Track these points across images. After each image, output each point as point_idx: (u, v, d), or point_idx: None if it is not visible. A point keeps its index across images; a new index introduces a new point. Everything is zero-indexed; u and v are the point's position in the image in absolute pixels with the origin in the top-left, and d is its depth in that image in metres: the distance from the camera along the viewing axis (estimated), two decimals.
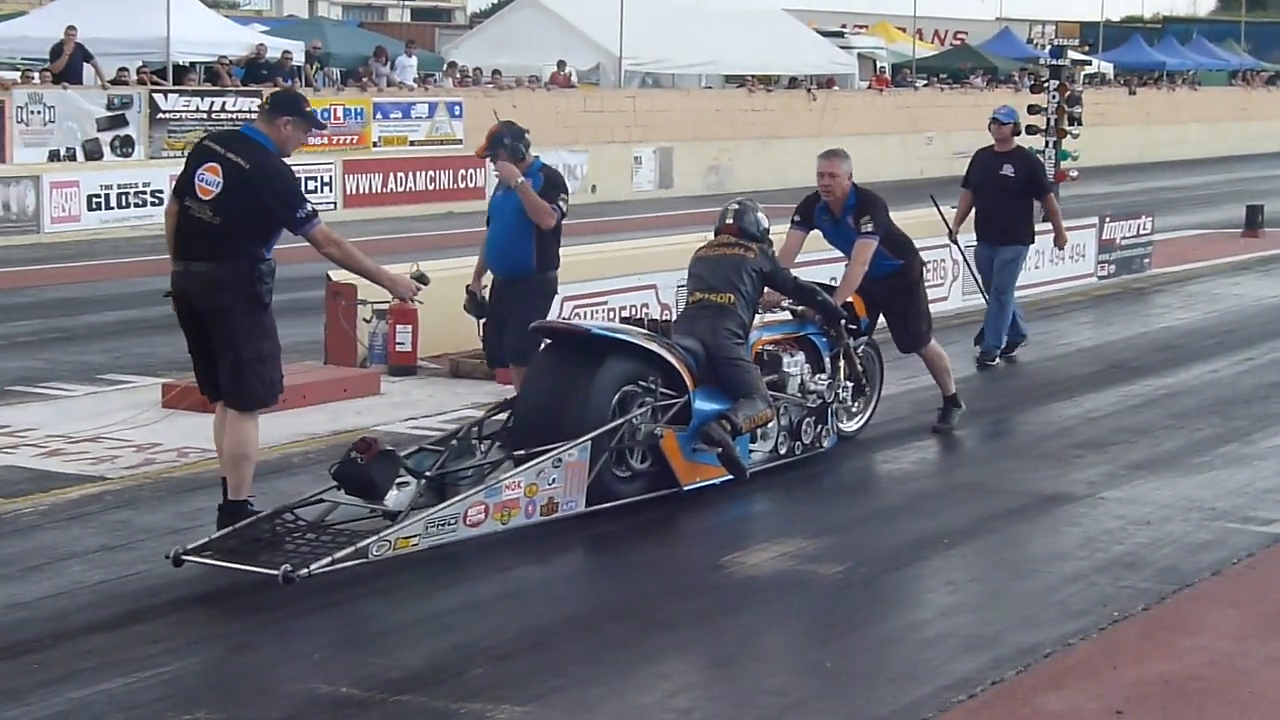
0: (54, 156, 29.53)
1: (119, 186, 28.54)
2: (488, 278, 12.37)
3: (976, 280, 17.36)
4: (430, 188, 34.07)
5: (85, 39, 32.26)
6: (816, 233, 13.37)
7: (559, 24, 46.09)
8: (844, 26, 65.03)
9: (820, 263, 15.45)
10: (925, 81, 54.69)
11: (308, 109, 10.00)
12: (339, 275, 14.63)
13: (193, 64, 36.58)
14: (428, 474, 10.14)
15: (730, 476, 11.10)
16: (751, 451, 11.52)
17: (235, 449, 9.63)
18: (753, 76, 47.77)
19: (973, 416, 14.08)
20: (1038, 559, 10.13)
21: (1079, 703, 7.80)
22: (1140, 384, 15.82)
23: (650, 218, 29.44)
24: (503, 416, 11.12)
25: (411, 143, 35.21)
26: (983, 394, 15.25)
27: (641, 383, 10.91)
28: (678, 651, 8.50)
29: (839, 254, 13.65)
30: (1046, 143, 24.98)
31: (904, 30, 64.89)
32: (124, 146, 30.61)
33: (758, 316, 11.88)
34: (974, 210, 16.93)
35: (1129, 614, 9.06)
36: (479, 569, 9.58)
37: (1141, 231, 24.13)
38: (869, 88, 52.48)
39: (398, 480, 9.76)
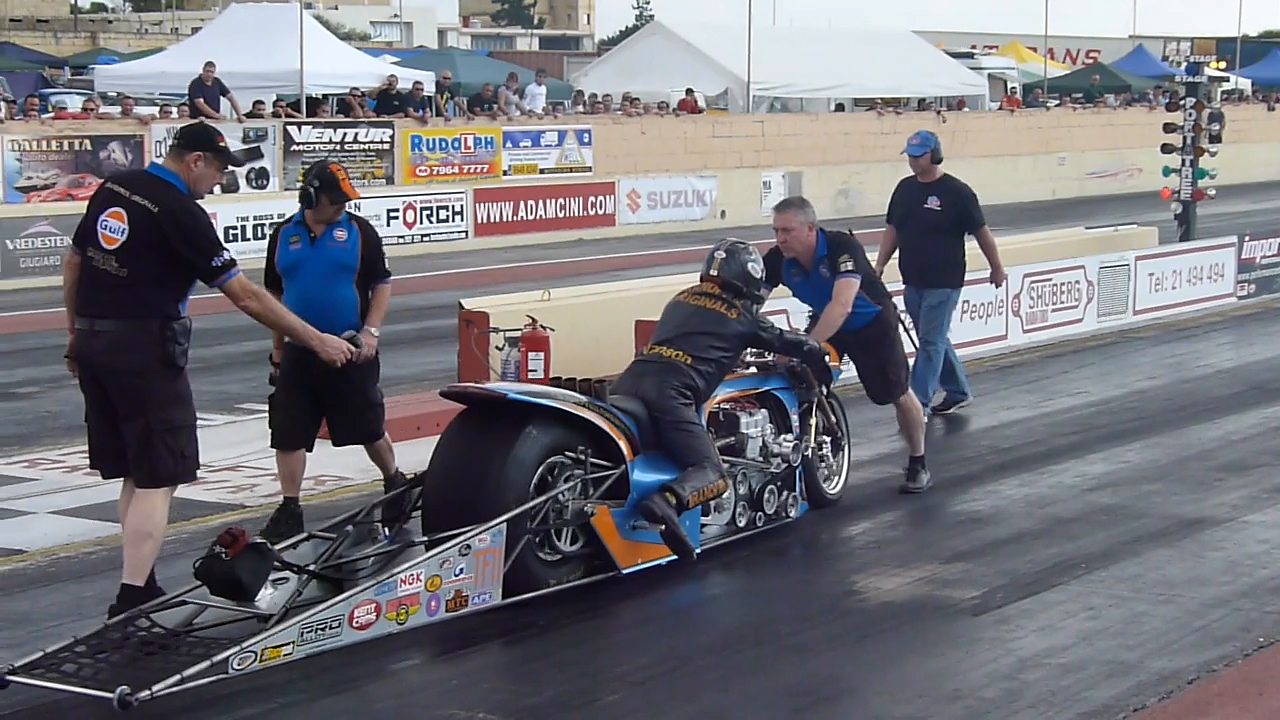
0: None
1: (254, 218, 28.80)
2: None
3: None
4: (560, 215, 34.17)
5: (221, 73, 32.68)
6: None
7: (687, 50, 46.16)
8: (974, 47, 64.82)
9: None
10: (1057, 101, 54.25)
11: (221, 143, 8.88)
12: (471, 302, 14.70)
13: (325, 96, 36.95)
14: (311, 567, 8.99)
15: (676, 557, 9.90)
16: (704, 526, 10.29)
17: (139, 524, 8.55)
18: (881, 99, 47.60)
19: (1110, 439, 13.97)
20: (1179, 584, 9.98)
21: None
22: None
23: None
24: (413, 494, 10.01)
25: (541, 170, 35.32)
26: (1121, 416, 15.10)
27: (570, 453, 9.57)
28: (811, 677, 8.44)
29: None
30: (1183, 161, 24.75)
31: (1035, 50, 64.49)
32: (259, 178, 30.92)
33: None
34: (898, 250, 14.98)
35: (1274, 640, 8.93)
36: (612, 596, 9.57)
37: None
38: (1000, 109, 52.25)
39: (272, 578, 8.65)
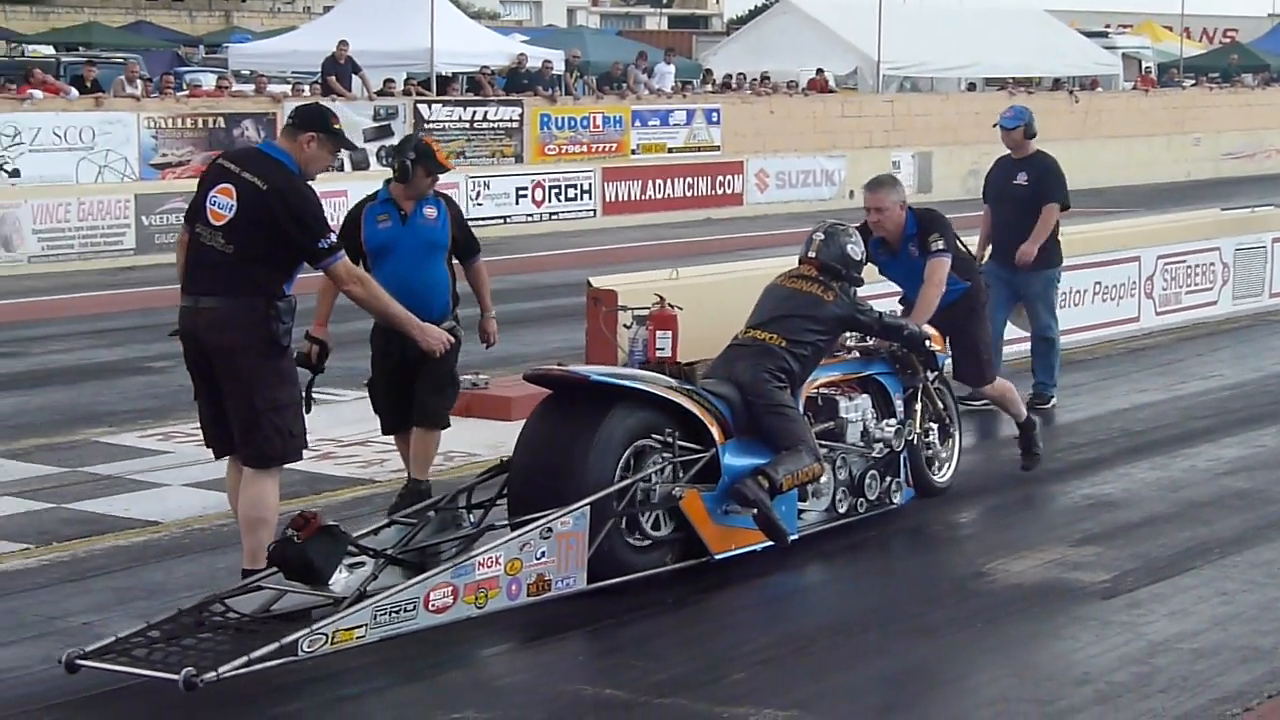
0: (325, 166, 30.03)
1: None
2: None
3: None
4: (688, 194, 34.17)
5: (353, 51, 32.90)
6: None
7: (817, 29, 45.97)
8: (1108, 26, 64.18)
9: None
10: (1193, 81, 53.65)
11: (335, 126, 8.73)
12: (600, 281, 14.72)
13: (455, 74, 37.12)
14: (389, 551, 8.89)
15: (771, 543, 9.68)
16: (802, 512, 10.07)
17: (251, 511, 8.52)
18: (1013, 79, 47.27)
19: (1245, 424, 13.84)
20: None
21: None
22: None
23: None
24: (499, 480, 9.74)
25: (669, 149, 35.33)
26: (1256, 400, 14.95)
27: (657, 437, 9.38)
28: (937, 659, 8.42)
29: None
30: None
31: (1170, 29, 63.65)
32: (389, 156, 31.02)
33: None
34: (993, 230, 14.46)
35: None
36: (733, 577, 9.56)
37: None
38: (1134, 88, 51.62)
39: (348, 561, 8.52)
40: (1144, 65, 59.42)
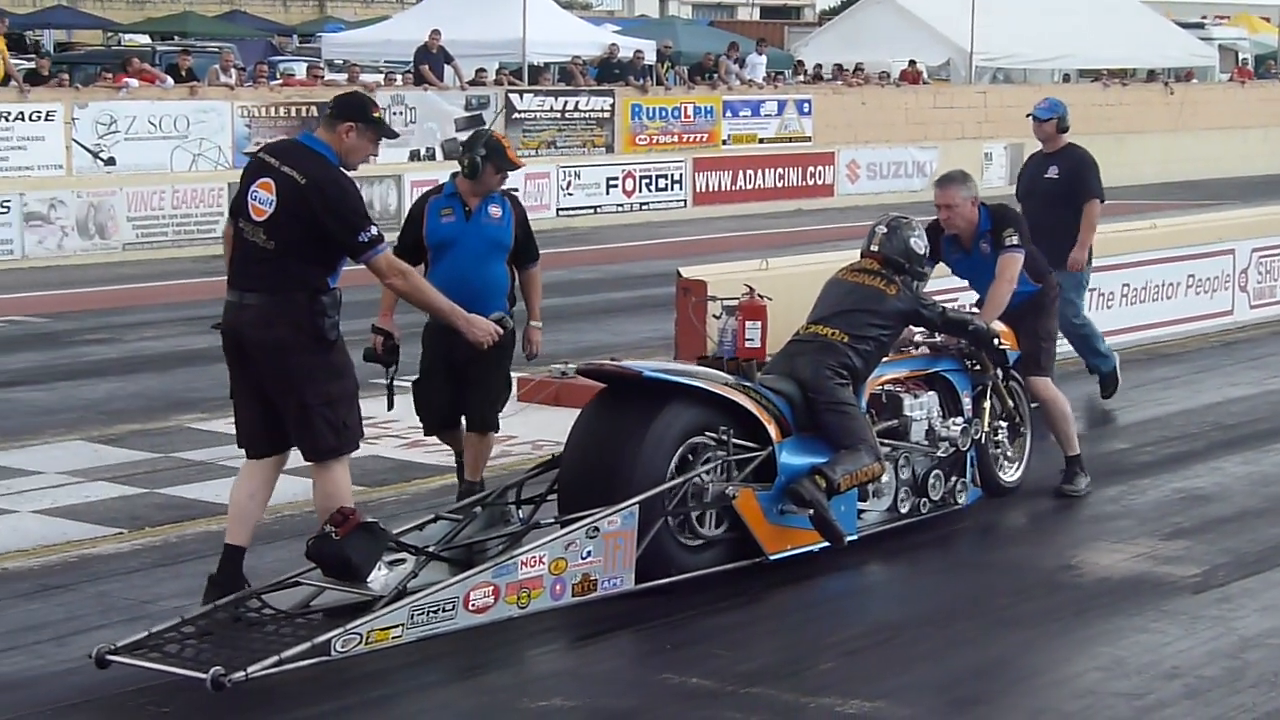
0: (414, 156, 30.23)
1: None
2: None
3: None
4: (779, 185, 34.12)
5: (446, 41, 32.99)
6: None
7: (909, 20, 45.76)
8: (1204, 18, 63.52)
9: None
10: None
11: (375, 114, 8.54)
12: (689, 271, 14.74)
13: (547, 64, 37.14)
14: (430, 549, 8.69)
15: (828, 543, 9.45)
16: (862, 512, 9.87)
17: (327, 504, 8.29)
18: (1107, 70, 46.91)
19: None
20: None
21: None
22: None
23: None
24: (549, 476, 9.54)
25: (760, 140, 35.30)
26: None
27: (712, 434, 9.19)
28: (1027, 651, 8.42)
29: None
30: None
31: (1268, 20, 63.25)
32: (457, 150, 31.06)
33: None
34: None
35: None
36: (820, 567, 9.55)
37: None
38: (1230, 80, 51.18)
39: (388, 558, 8.29)
40: (1240, 57, 58.81)
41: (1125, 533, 10.48)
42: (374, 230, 8.19)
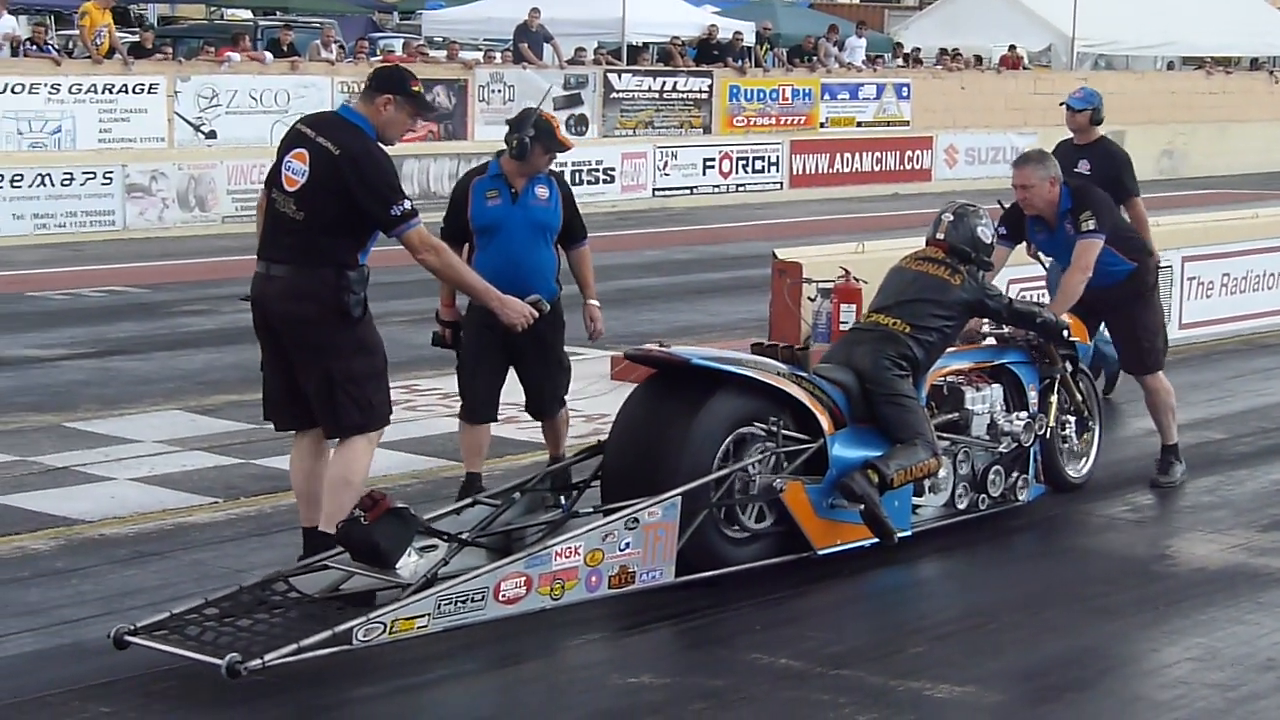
0: None
1: (573, 164, 29.06)
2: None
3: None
4: (876, 169, 34.04)
5: (545, 20, 33.04)
6: None
7: (1011, 4, 45.43)
8: None
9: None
10: None
11: (414, 88, 8.33)
12: (785, 253, 14.72)
13: (646, 44, 37.18)
14: (463, 536, 8.44)
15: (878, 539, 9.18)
16: (918, 507, 9.57)
17: (340, 471, 8.21)
18: (1211, 58, 46.50)
19: None
20: None
21: None
22: None
23: None
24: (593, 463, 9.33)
25: (859, 123, 35.23)
26: None
27: (761, 425, 8.91)
28: (1119, 640, 8.37)
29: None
30: None
31: None
32: (579, 125, 31.25)
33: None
34: None
35: None
36: (921, 550, 9.51)
37: None
38: None
39: (418, 545, 8.07)
40: None
41: (1221, 523, 10.40)
42: (407, 204, 8.05)
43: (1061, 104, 13.52)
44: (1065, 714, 7.46)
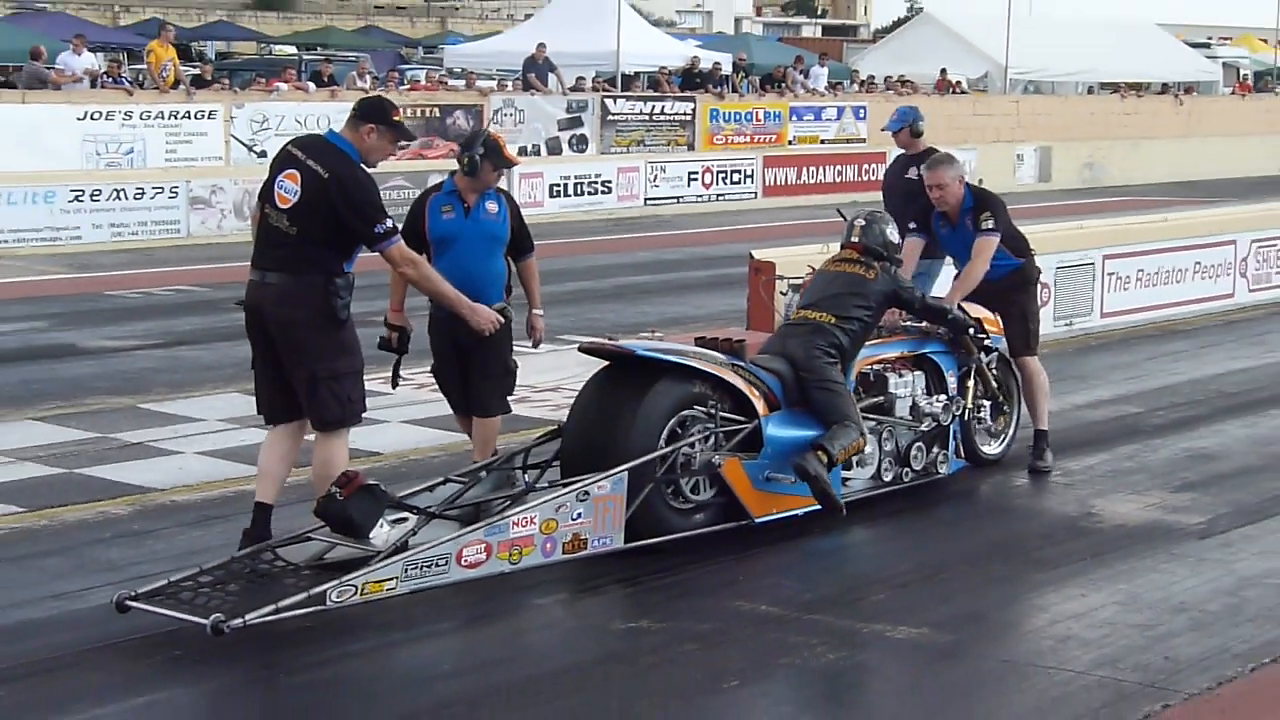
0: (522, 152, 30.22)
1: (575, 177, 29.14)
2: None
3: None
4: (838, 180, 33.91)
5: (550, 53, 33.02)
6: None
7: (952, 38, 45.66)
8: (1210, 38, 63.06)
9: None
10: None
11: (395, 117, 8.12)
12: (760, 253, 14.68)
13: (637, 73, 37.18)
14: (431, 509, 8.24)
15: (817, 507, 9.03)
16: (846, 480, 9.41)
17: (322, 470, 8.03)
18: (1125, 84, 46.58)
19: None
20: None
21: None
22: None
23: (1031, 208, 28.93)
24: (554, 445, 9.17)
25: (822, 141, 35.21)
26: None
27: (701, 408, 8.77)
28: (1054, 588, 8.34)
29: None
30: None
31: (1266, 41, 62.45)
32: (579, 144, 31.25)
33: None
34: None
35: None
36: (878, 512, 9.49)
37: None
38: (1232, 93, 50.76)
39: (390, 517, 7.94)
40: (1241, 73, 58.29)
41: (1139, 485, 10.38)
42: (389, 223, 7.88)
43: (883, 129, 13.26)
44: (1006, 652, 7.45)
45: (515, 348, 9.27)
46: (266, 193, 8.04)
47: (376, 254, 8.01)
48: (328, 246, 7.88)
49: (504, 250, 9.31)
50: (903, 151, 13.00)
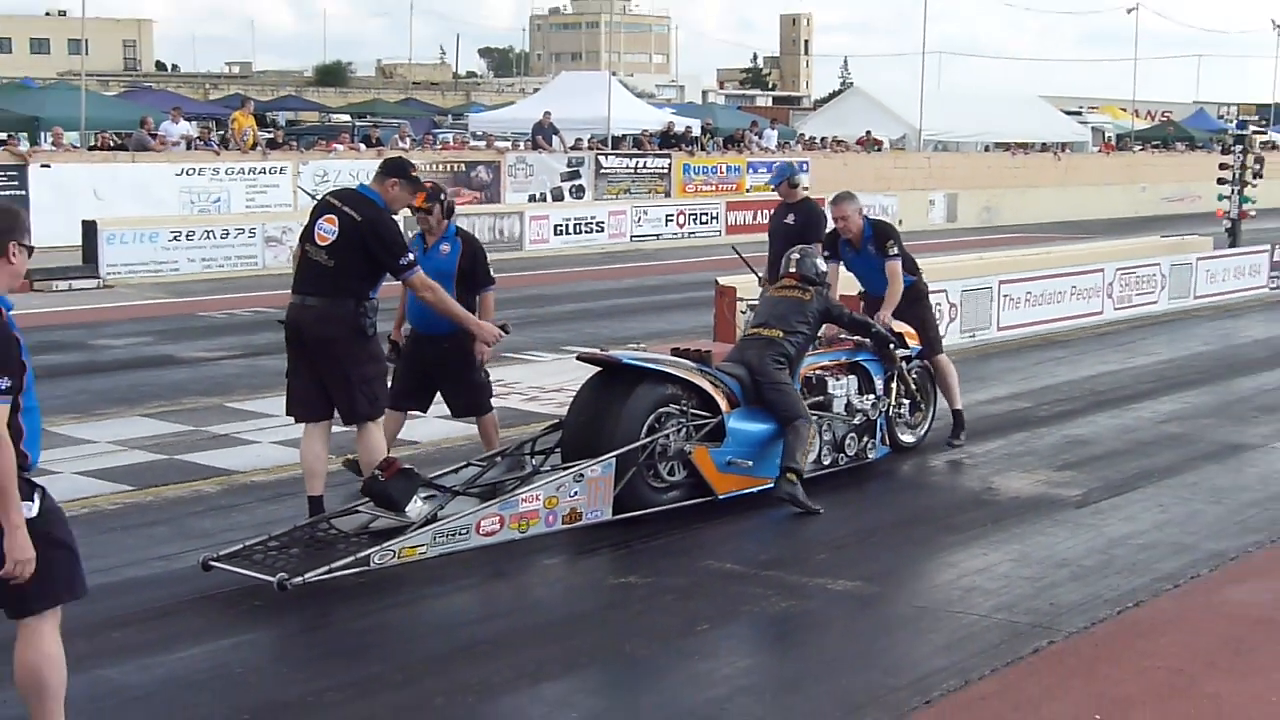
0: (532, 198, 30.25)
1: (574, 219, 29.06)
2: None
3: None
4: None
5: (554, 119, 33.04)
6: None
7: (878, 106, 45.90)
8: (1081, 108, 63.23)
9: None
10: (1141, 147, 52.91)
11: (413, 174, 8.19)
12: (724, 280, 14.66)
13: (624, 135, 37.16)
14: (456, 488, 8.25)
15: (769, 486, 8.99)
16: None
17: (369, 456, 8.00)
18: (1015, 143, 46.68)
19: (1177, 387, 13.60)
20: (1225, 490, 9.68)
21: (1255, 593, 7.49)
22: None
23: (941, 243, 28.97)
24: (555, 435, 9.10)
25: (773, 189, 35.15)
26: (1184, 371, 14.67)
27: (675, 406, 8.77)
28: (961, 548, 8.33)
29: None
30: (1232, 190, 23.89)
31: (1125, 110, 62.76)
32: (577, 192, 31.20)
33: (813, 346, 9.80)
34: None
35: None
36: (822, 488, 9.43)
37: None
38: (1099, 151, 50.90)
39: (422, 494, 7.92)
40: (1106, 135, 58.42)
41: (1029, 465, 10.39)
42: (410, 257, 7.95)
43: (766, 183, 13.06)
44: (923, 599, 7.45)
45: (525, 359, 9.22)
46: (307, 233, 8.06)
47: (399, 282, 8.06)
48: (358, 277, 7.89)
49: (453, 283, 8.85)
50: (783, 200, 12.70)
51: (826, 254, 10.85)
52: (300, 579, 6.99)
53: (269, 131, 35.17)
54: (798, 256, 9.93)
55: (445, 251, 9.15)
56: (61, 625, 5.11)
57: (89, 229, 21.62)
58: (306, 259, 8.05)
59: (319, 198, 8.36)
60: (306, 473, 8.24)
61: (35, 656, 5.04)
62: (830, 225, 11.31)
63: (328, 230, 7.96)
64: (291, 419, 8.40)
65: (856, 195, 11.12)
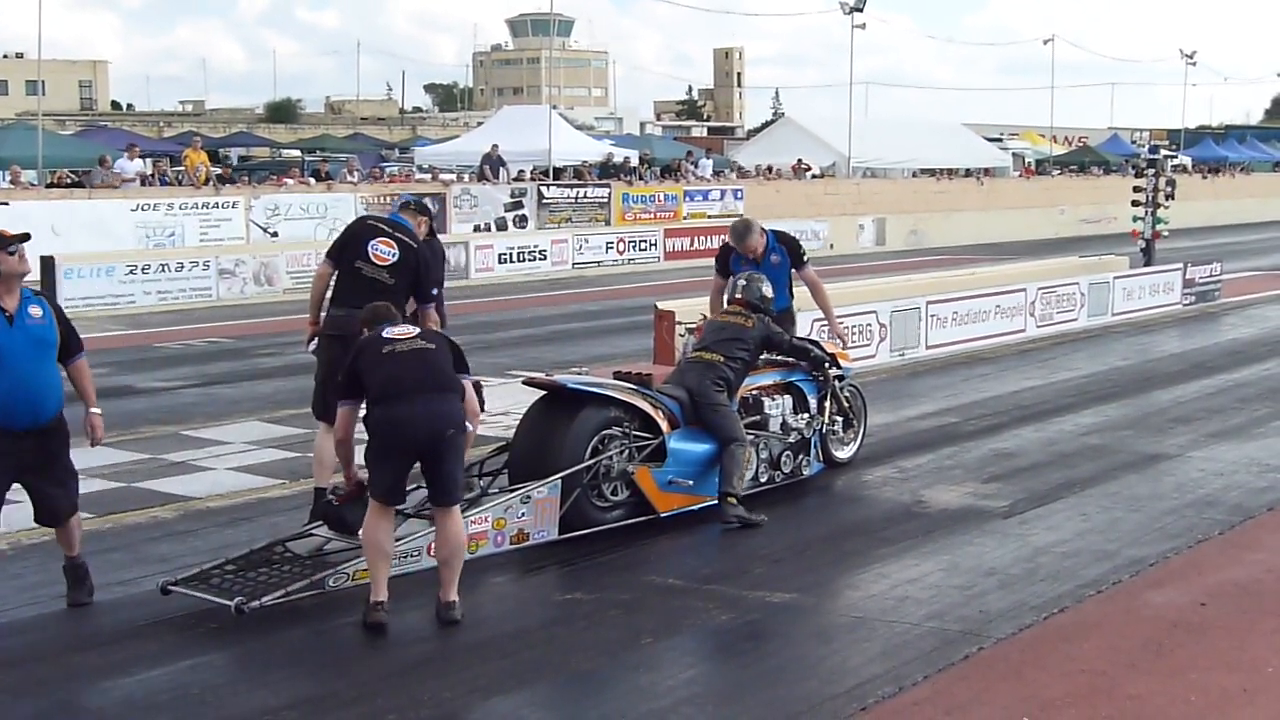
0: (477, 228, 30.19)
1: (518, 247, 29.05)
2: None
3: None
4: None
5: (500, 152, 33.00)
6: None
7: (808, 136, 46.12)
8: (1001, 135, 63.81)
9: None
10: (1059, 171, 53.53)
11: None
12: (663, 304, 14.68)
13: (565, 166, 37.17)
14: (408, 511, 7.92)
15: (712, 503, 9.00)
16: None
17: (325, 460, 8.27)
18: (940, 169, 47.06)
19: (1096, 400, 13.73)
20: (1144, 498, 9.77)
21: (1174, 598, 7.54)
22: (1214, 378, 15.21)
23: (871, 265, 29.24)
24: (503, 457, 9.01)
25: (709, 216, 35.30)
26: (1103, 384, 14.81)
27: (618, 428, 8.72)
28: (894, 559, 8.36)
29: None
30: (1146, 212, 24.21)
31: (1043, 136, 63.47)
32: (521, 221, 31.16)
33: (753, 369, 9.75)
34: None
35: (1209, 537, 8.74)
36: (759, 504, 9.42)
37: (1214, 273, 23.18)
38: (1019, 176, 51.41)
39: None
40: (1026, 160, 59.03)
41: (957, 478, 10.44)
42: (439, 288, 8.63)
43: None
44: (858, 609, 7.46)
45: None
46: (357, 253, 8.46)
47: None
48: (407, 295, 8.44)
49: (55, 355, 7.11)
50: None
51: (719, 268, 10.74)
52: (257, 603, 6.94)
53: (220, 167, 34.93)
54: (744, 283, 9.94)
55: (38, 316, 7.01)
56: (23, 650, 5.04)
57: (47, 264, 21.37)
58: (360, 276, 8.40)
59: (362, 220, 8.84)
60: (318, 464, 8.52)
61: None
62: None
63: (386, 252, 8.45)
64: (318, 420, 8.61)
65: (754, 222, 10.87)
